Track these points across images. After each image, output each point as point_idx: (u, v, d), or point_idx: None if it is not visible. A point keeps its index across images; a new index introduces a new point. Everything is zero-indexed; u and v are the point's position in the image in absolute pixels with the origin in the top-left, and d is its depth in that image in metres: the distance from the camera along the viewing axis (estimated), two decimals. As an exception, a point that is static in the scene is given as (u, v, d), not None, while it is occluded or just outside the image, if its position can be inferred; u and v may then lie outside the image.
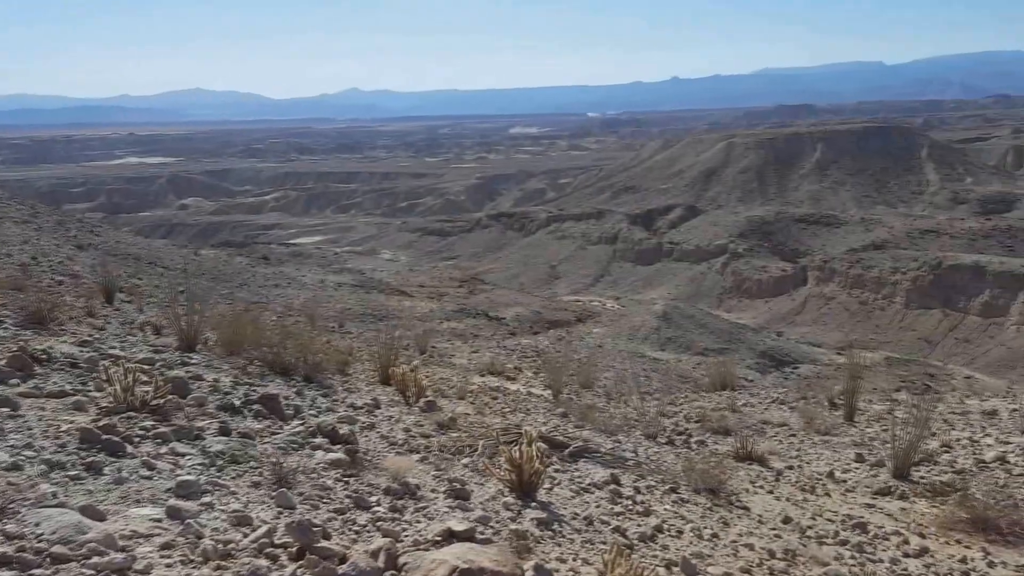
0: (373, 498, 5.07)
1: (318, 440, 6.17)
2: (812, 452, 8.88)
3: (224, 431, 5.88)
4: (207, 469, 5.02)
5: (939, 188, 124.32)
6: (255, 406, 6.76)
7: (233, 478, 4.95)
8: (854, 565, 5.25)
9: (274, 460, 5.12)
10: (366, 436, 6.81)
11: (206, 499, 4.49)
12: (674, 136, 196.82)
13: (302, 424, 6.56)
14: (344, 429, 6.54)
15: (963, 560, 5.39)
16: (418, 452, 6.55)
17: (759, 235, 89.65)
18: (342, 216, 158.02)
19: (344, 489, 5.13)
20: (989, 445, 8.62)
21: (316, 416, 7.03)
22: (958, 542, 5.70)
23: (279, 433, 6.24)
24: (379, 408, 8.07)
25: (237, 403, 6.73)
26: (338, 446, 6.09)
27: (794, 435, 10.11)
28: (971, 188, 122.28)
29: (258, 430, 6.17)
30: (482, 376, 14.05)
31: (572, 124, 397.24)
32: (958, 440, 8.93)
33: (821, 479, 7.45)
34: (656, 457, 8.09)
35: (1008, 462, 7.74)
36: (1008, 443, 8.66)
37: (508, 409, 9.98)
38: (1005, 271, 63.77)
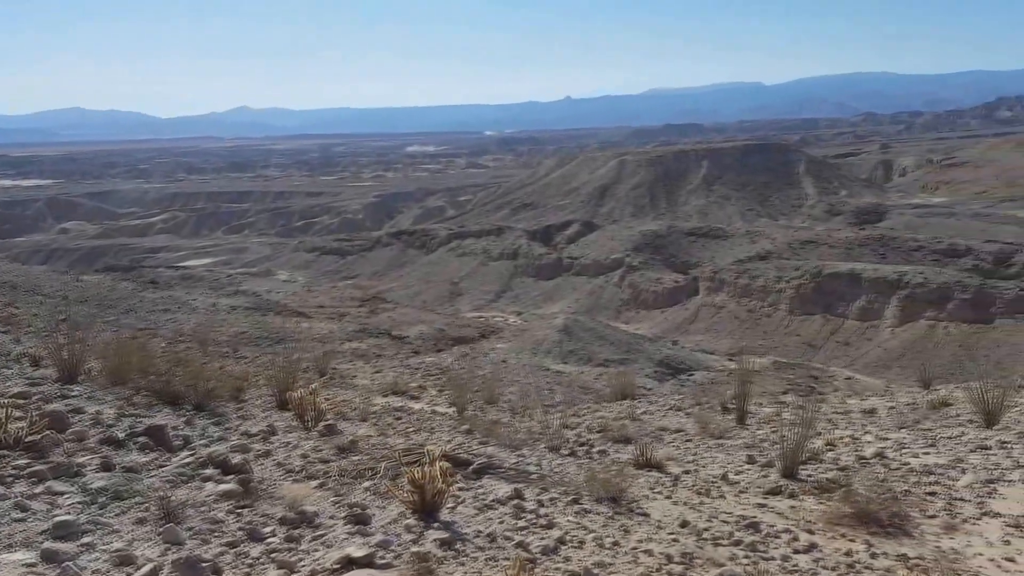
0: (268, 528, 4.89)
1: (209, 471, 5.92)
2: (707, 456, 9.16)
3: (107, 466, 5.56)
4: (87, 507, 4.73)
5: (816, 201, 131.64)
6: (141, 438, 6.43)
7: (116, 515, 4.68)
8: (748, 564, 5.43)
9: (161, 494, 4.87)
10: (261, 464, 6.58)
11: (86, 539, 4.23)
12: (569, 154, 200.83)
13: (192, 455, 6.28)
14: (237, 458, 6.30)
15: (848, 553, 5.65)
16: (317, 478, 6.37)
17: (652, 248, 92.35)
18: (234, 237, 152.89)
19: (236, 521, 4.93)
20: (869, 442, 9.12)
21: (207, 446, 6.75)
22: (843, 536, 5.98)
23: (167, 466, 5.95)
24: (275, 434, 7.81)
25: (121, 436, 6.38)
26: (230, 476, 5.86)
27: (690, 440, 10.41)
28: (846, 200, 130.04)
29: (144, 463, 5.87)
30: (385, 396, 13.85)
31: (469, 142, 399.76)
32: (841, 438, 9.40)
33: (716, 482, 7.68)
34: (559, 469, 8.16)
35: (887, 457, 8.21)
36: (886, 439, 9.18)
37: (412, 429, 9.86)
38: (879, 277, 67.97)
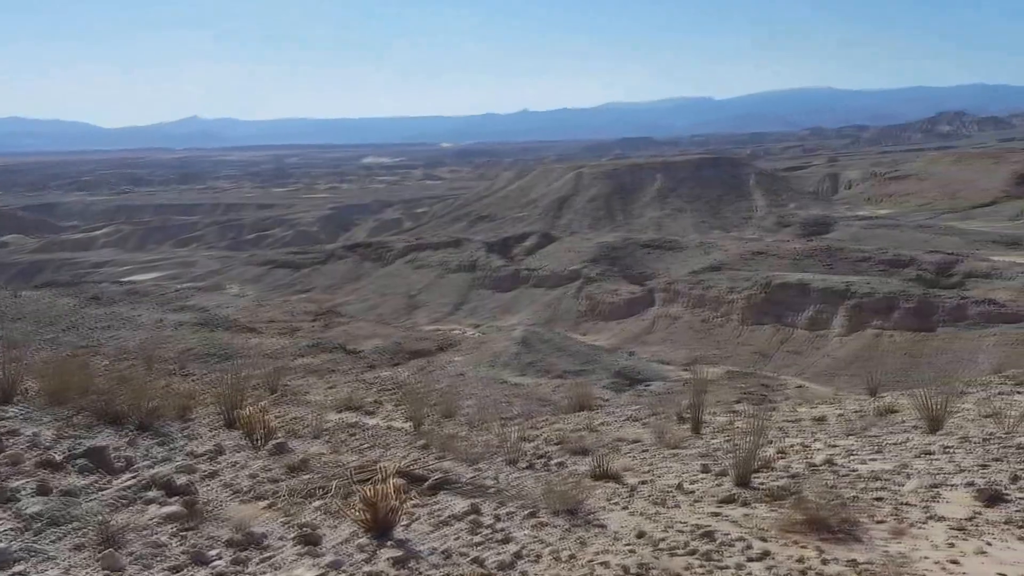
0: (214, 552, 4.75)
1: (152, 493, 5.74)
2: (663, 466, 9.19)
3: (43, 490, 5.35)
4: (21, 534, 4.53)
5: (766, 213, 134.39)
6: (80, 460, 6.21)
7: (52, 542, 4.49)
8: (703, 573, 5.44)
9: (100, 519, 4.69)
10: (207, 485, 6.41)
11: (19, 568, 4.04)
12: (526, 166, 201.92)
13: (134, 477, 6.09)
14: (182, 479, 6.13)
15: (800, 560, 5.71)
16: (265, 498, 6.22)
17: (610, 260, 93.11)
18: (182, 250, 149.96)
19: (180, 544, 4.77)
20: (819, 449, 9.25)
21: (151, 467, 6.55)
22: (796, 543, 6.04)
23: (108, 488, 5.76)
24: (223, 454, 7.62)
25: (59, 458, 6.16)
26: (175, 498, 5.70)
27: (647, 450, 10.44)
28: (794, 212, 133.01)
29: (83, 487, 5.66)
30: (339, 412, 13.64)
31: (426, 154, 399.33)
32: (792, 446, 9.52)
33: (672, 491, 7.71)
34: (517, 482, 8.11)
35: (836, 464, 8.33)
36: (835, 446, 9.33)
37: (366, 445, 9.71)
38: (827, 287, 69.53)
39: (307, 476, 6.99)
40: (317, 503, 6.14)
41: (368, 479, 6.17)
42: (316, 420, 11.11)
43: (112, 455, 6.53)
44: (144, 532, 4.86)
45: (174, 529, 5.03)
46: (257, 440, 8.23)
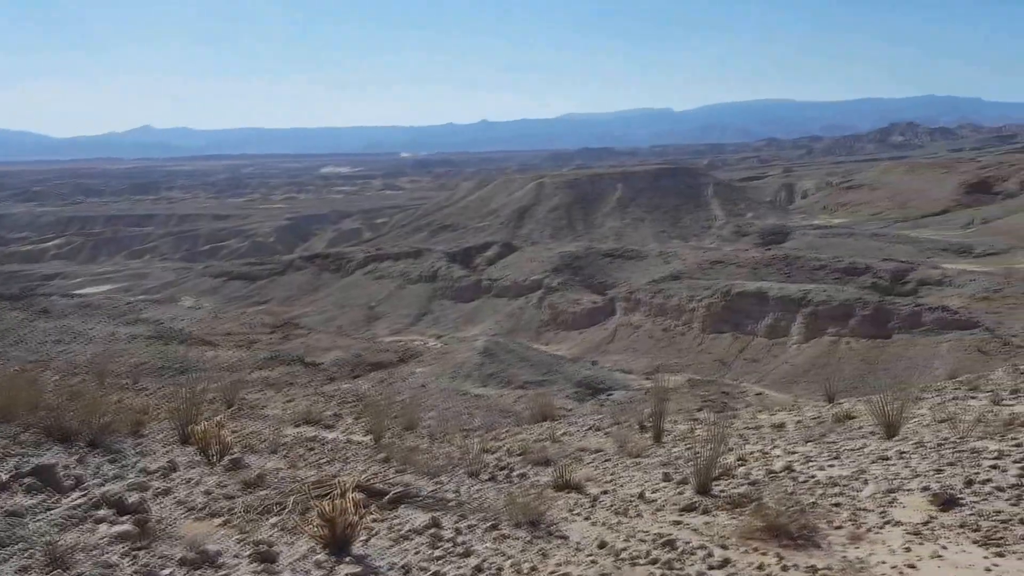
0: (166, 571, 4.62)
1: (102, 512, 5.57)
2: (625, 475, 9.20)
3: (-14, 512, 5.14)
4: (-39, 559, 4.34)
5: (725, 222, 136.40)
6: (27, 479, 6.00)
7: (-5, 565, 4.31)
8: (665, 583, 5.44)
9: (48, 539, 4.53)
10: (160, 503, 6.25)
11: (-42, 595, 3.87)
12: (487, 176, 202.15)
13: (84, 495, 5.91)
14: (133, 497, 5.96)
15: (760, 567, 5.74)
16: (220, 515, 6.07)
17: (571, 270, 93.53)
18: (135, 262, 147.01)
19: (132, 564, 4.63)
20: (778, 456, 9.35)
21: (101, 485, 6.36)
22: (756, 550, 6.07)
23: (56, 508, 5.57)
24: (176, 471, 7.44)
25: (5, 477, 5.95)
26: (126, 517, 5.53)
27: (609, 460, 10.45)
28: (752, 222, 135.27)
29: (30, 506, 5.47)
30: (297, 426, 13.43)
31: (385, 164, 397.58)
32: (752, 453, 9.61)
33: (633, 501, 7.72)
34: (479, 495, 8.04)
35: (794, 471, 8.42)
36: (794, 453, 9.44)
37: (325, 460, 9.56)
38: (785, 295, 70.67)
39: (263, 492, 6.84)
40: (274, 519, 6.01)
41: (326, 494, 6.06)
42: (273, 434, 10.92)
43: (61, 473, 6.33)
44: (94, 552, 4.71)
45: (125, 548, 4.88)
46: (212, 456, 8.05)
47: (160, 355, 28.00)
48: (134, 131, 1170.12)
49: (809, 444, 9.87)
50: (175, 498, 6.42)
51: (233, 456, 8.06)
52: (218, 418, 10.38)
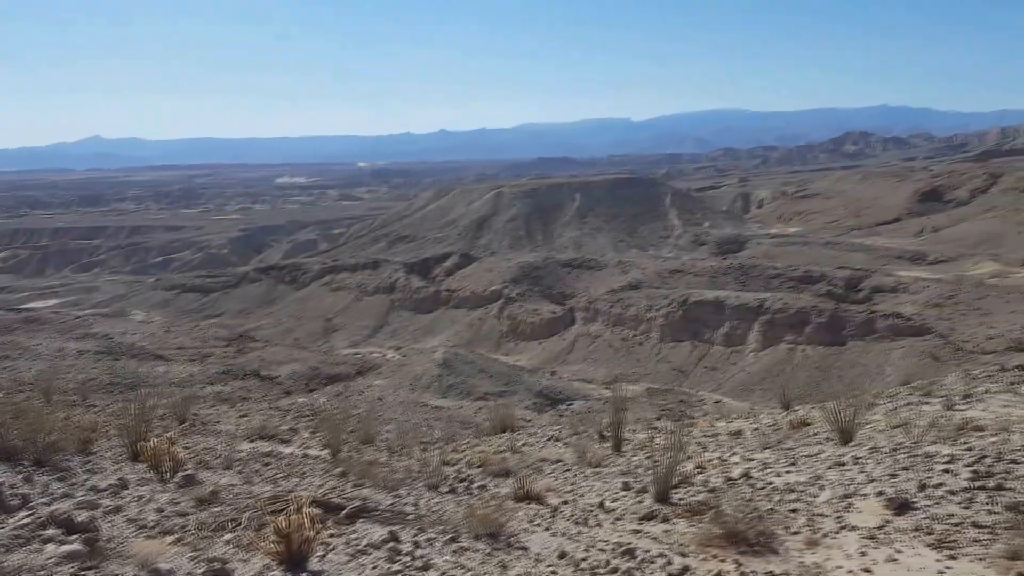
0: (115, 593, 4.47)
1: (50, 531, 5.39)
2: (585, 485, 9.21)
3: (-78, 536, 4.93)
4: None
5: (682, 232, 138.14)
6: (-33, 501, 5.77)
7: (-69, 592, 4.13)
8: (626, 593, 5.43)
9: (-12, 563, 4.35)
10: (110, 521, 6.08)
11: None
12: (445, 186, 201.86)
13: (30, 515, 5.71)
14: (83, 516, 5.78)
15: (719, 574, 5.78)
16: (173, 533, 5.92)
17: (530, 280, 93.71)
18: (84, 275, 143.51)
19: (79, 587, 4.47)
20: (736, 463, 9.44)
21: (49, 504, 6.17)
22: (715, 557, 6.11)
23: (2, 528, 5.38)
24: (127, 488, 7.25)
25: (-57, 499, 5.70)
26: (75, 536, 5.37)
27: (569, 470, 10.45)
28: (708, 231, 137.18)
29: (-29, 529, 5.25)
30: (252, 442, 13.19)
31: (342, 174, 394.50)
32: (710, 461, 9.69)
33: (593, 510, 7.72)
34: (438, 507, 7.97)
35: (752, 477, 8.51)
36: (752, 460, 9.54)
37: (281, 475, 9.40)
38: (741, 304, 71.72)
39: (217, 508, 6.69)
40: (228, 536, 5.87)
41: (282, 509, 5.94)
42: (228, 450, 10.71)
43: (7, 493, 6.13)
44: (41, 573, 4.56)
45: (74, 569, 4.74)
46: (164, 472, 7.86)
47: (109, 371, 27.30)
48: (84, 142, 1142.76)
49: (766, 451, 9.99)
50: (126, 516, 6.25)
51: (186, 472, 7.88)
52: (170, 434, 10.15)
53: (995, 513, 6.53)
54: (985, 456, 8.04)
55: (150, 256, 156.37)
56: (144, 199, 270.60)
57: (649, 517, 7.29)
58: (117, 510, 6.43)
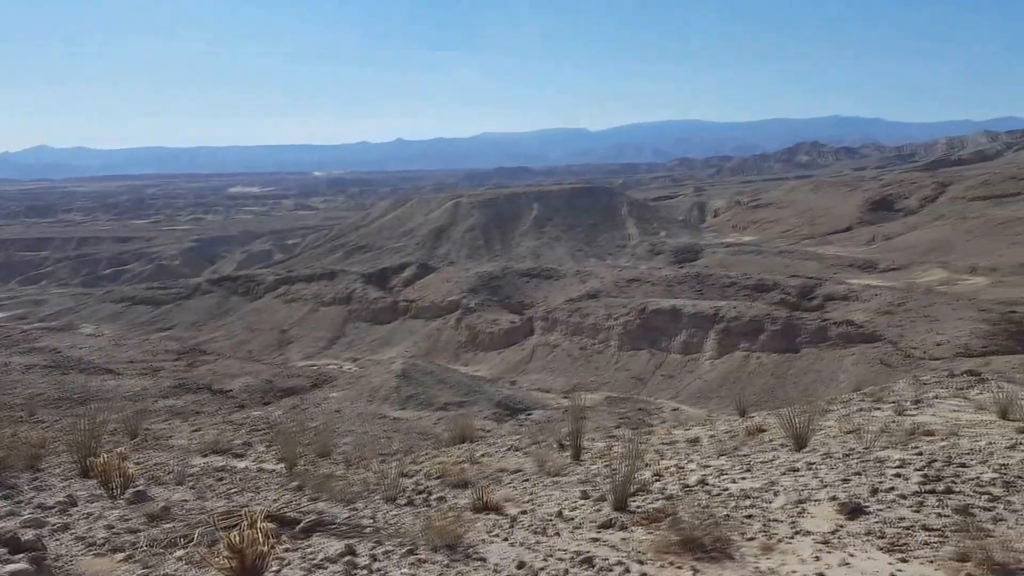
0: (60, 615, 4.33)
1: (-7, 552, 5.21)
2: (543, 494, 9.20)
3: None
4: None
5: (639, 241, 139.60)
6: (-95, 521, 5.56)
7: None
8: (584, 602, 5.43)
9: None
10: (58, 539, 5.92)
11: None
12: (403, 196, 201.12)
13: (-30, 536, 5.51)
14: (29, 534, 5.63)
15: (677, 581, 5.81)
16: (123, 550, 5.78)
17: (489, 290, 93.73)
18: (31, 288, 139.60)
19: (22, 609, 4.32)
20: (693, 470, 9.53)
21: (-9, 524, 5.95)
22: (672, 564, 6.15)
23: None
24: (76, 505, 7.06)
25: None
26: (20, 555, 5.22)
27: (528, 479, 10.43)
28: (665, 240, 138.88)
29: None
30: (205, 456, 12.93)
31: (297, 183, 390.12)
32: (667, 468, 9.77)
33: (552, 519, 7.71)
34: (395, 520, 7.89)
35: (708, 484, 8.60)
36: (708, 467, 9.64)
37: (235, 490, 9.23)
38: (698, 312, 72.66)
39: (169, 525, 6.54)
40: (180, 553, 5.75)
41: (235, 524, 5.83)
42: (180, 465, 10.49)
43: (-56, 514, 5.90)
44: (-22, 598, 4.39)
45: (16, 592, 4.57)
46: (114, 489, 7.67)
47: (58, 385, 26.53)
48: (30, 151, 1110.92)
49: (722, 458, 10.11)
50: (74, 534, 6.10)
51: (137, 488, 7.70)
52: (121, 450, 9.90)
53: (944, 516, 6.69)
54: (935, 460, 8.25)
55: (99, 268, 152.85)
56: (92, 210, 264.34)
57: (607, 525, 7.31)
58: (65, 528, 6.29)
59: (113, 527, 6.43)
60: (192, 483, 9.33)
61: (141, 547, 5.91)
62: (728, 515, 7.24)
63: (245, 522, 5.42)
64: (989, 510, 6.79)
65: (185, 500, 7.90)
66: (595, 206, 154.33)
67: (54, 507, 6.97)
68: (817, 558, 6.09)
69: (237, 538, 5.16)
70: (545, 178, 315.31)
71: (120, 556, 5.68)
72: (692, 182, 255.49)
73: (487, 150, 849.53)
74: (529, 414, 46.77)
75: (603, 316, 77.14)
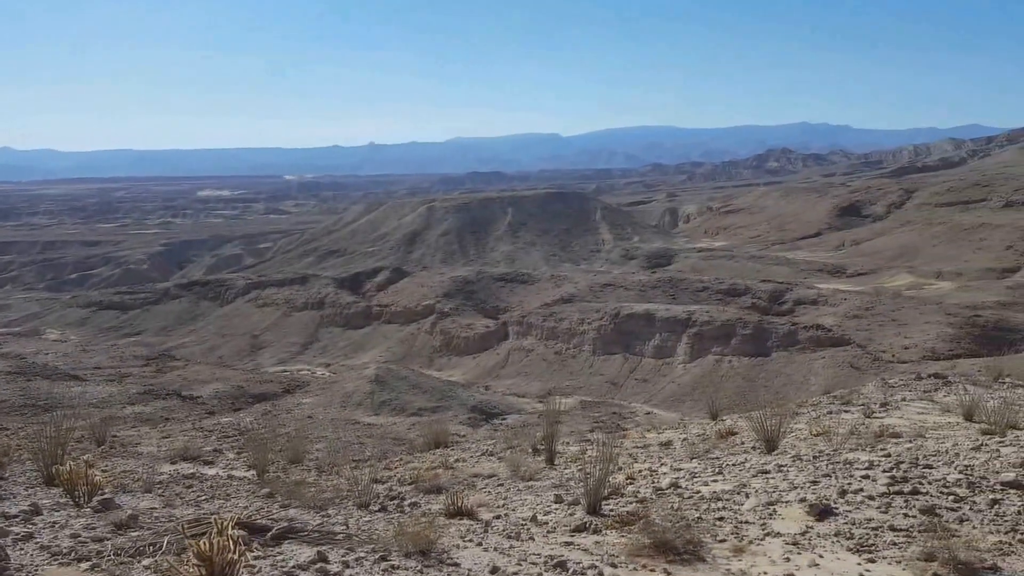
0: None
1: (-49, 564, 5.09)
2: (517, 499, 9.20)
3: None
4: None
5: (613, 246, 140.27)
6: None
7: None
8: (558, 606, 5.43)
9: None
10: (21, 549, 5.81)
11: None
12: (376, 200, 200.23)
13: (-70, 547, 5.38)
14: (-12, 546, 5.48)
15: (649, 584, 5.84)
16: (88, 559, 5.68)
17: (463, 294, 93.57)
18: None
19: (-17, 621, 4.23)
20: (665, 473, 9.59)
21: (-50, 535, 5.82)
22: (644, 566, 6.18)
23: None
24: (40, 514, 6.94)
25: None
26: (-21, 568, 5.08)
27: (502, 484, 10.42)
28: (638, 245, 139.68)
29: None
30: (174, 463, 12.76)
31: (269, 187, 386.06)
32: (640, 472, 9.82)
33: (525, 524, 7.71)
34: (368, 526, 7.83)
35: (680, 487, 8.66)
36: (680, 470, 9.71)
37: (204, 497, 9.12)
38: (671, 317, 73.14)
39: (136, 533, 6.43)
40: (147, 561, 5.66)
41: (204, 532, 5.75)
42: (148, 473, 10.34)
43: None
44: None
45: (-24, 604, 4.47)
46: (80, 497, 7.54)
47: (22, 392, 26.02)
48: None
49: (694, 461, 10.18)
50: (38, 543, 5.98)
51: (103, 497, 7.57)
52: (87, 457, 9.73)
53: (911, 516, 6.80)
54: (902, 462, 8.38)
55: (65, 272, 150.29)
56: (58, 213, 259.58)
57: (580, 529, 7.32)
58: (29, 537, 6.18)
59: (79, 536, 6.33)
60: (160, 491, 9.20)
61: (107, 556, 5.81)
62: (700, 517, 7.29)
63: (214, 529, 5.35)
64: (954, 510, 6.91)
65: (153, 508, 7.78)
66: (569, 211, 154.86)
67: (18, 516, 6.86)
68: (787, 559, 6.15)
69: (206, 546, 5.08)
70: (519, 183, 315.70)
71: (85, 565, 5.59)
72: (664, 188, 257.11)
73: (460, 155, 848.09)
74: (504, 419, 46.74)
75: (577, 320, 77.37)
